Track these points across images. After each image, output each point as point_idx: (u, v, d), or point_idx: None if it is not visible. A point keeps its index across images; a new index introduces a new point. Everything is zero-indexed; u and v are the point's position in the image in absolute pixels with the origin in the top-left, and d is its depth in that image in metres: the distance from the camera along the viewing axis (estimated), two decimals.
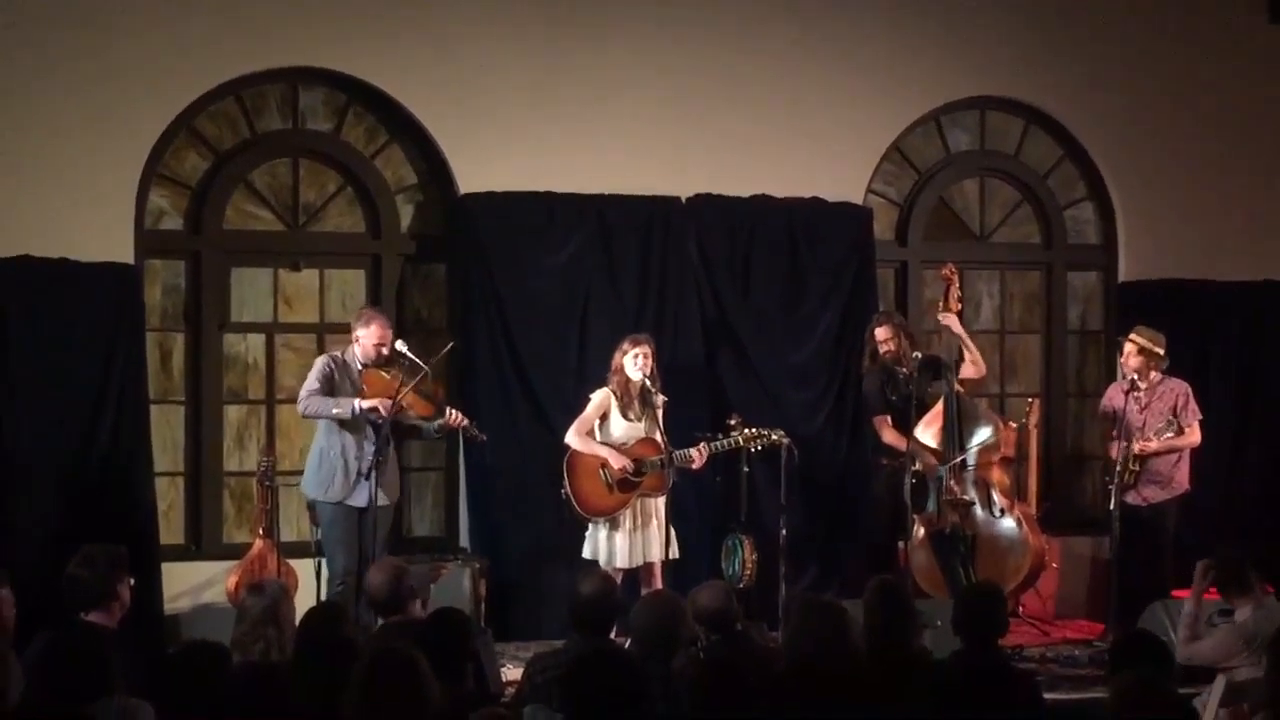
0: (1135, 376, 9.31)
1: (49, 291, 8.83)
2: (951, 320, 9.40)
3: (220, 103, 9.39)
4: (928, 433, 9.24)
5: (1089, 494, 10.55)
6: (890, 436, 9.35)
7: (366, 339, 8.44)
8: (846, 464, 9.85)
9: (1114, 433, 9.40)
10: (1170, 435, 9.23)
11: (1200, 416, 9.43)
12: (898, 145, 10.37)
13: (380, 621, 6.47)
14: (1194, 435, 9.42)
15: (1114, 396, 9.54)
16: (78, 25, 8.96)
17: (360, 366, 8.45)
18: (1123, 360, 9.42)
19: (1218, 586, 7.15)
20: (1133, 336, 9.38)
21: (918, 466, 9.08)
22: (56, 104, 8.93)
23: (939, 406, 9.28)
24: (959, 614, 6.04)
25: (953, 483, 9.20)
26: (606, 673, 4.67)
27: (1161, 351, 9.34)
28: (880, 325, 9.38)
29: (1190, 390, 9.43)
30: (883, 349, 9.32)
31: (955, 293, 9.51)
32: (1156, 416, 9.30)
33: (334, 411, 8.33)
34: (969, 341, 9.49)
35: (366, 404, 8.26)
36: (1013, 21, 10.35)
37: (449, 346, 8.70)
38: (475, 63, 9.53)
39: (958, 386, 9.35)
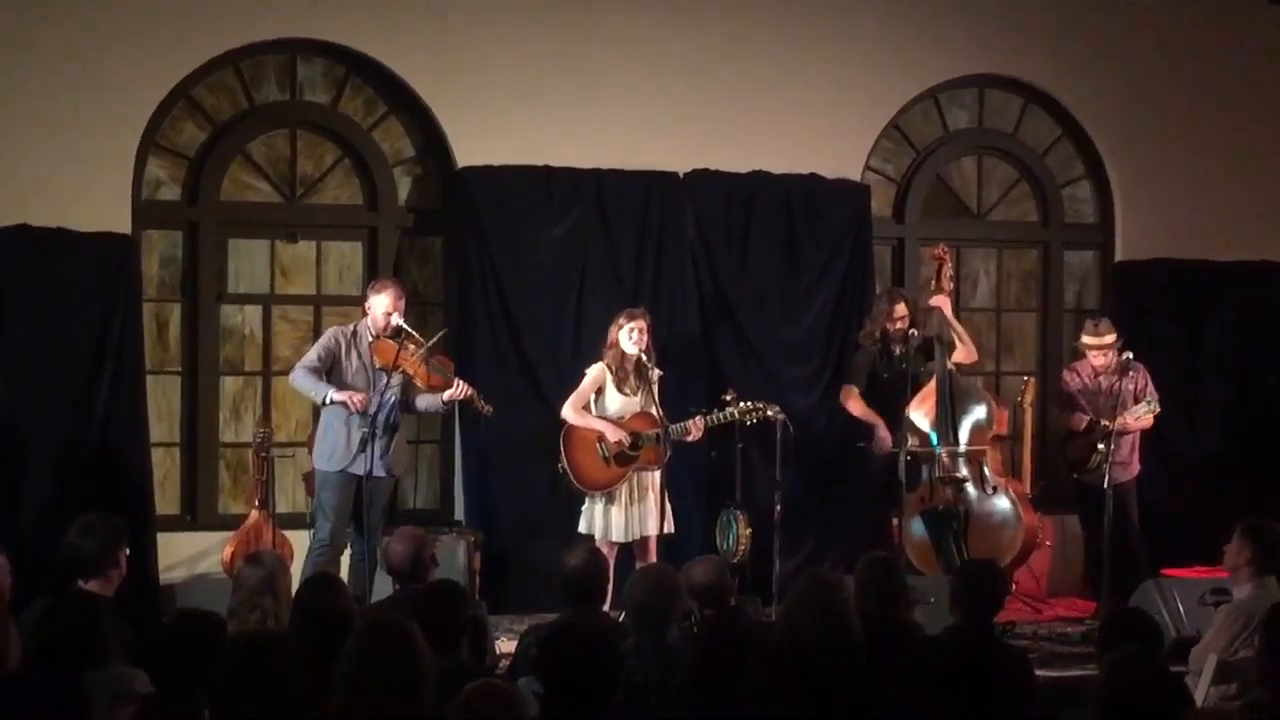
0: (1129, 356, 9.31)
1: (46, 261, 8.82)
2: (943, 303, 9.39)
3: (219, 73, 9.37)
4: (920, 411, 9.25)
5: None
6: (857, 409, 9.39)
7: (376, 307, 8.43)
8: (841, 439, 9.84)
9: (1072, 413, 9.44)
10: (1142, 414, 9.27)
11: (1156, 398, 9.48)
12: (896, 122, 10.35)
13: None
14: (1147, 418, 9.47)
15: (1071, 379, 9.56)
16: None
17: (372, 338, 8.46)
18: (1105, 365, 9.40)
19: (1253, 554, 6.86)
20: (1088, 342, 9.39)
21: (911, 443, 9.09)
22: (54, 73, 8.90)
23: (932, 385, 9.30)
24: (959, 589, 6.05)
25: (945, 459, 9.23)
26: (577, 645, 4.67)
27: (1115, 336, 9.38)
28: (900, 300, 9.37)
29: (1148, 373, 9.48)
30: (898, 325, 9.27)
31: (948, 273, 9.51)
32: (1121, 395, 9.32)
33: (310, 394, 8.42)
34: (959, 327, 9.48)
35: (338, 396, 8.24)
36: (1012, 0, 10.34)
37: (441, 333, 8.60)
38: (474, 36, 9.52)
39: (950, 366, 9.36)
